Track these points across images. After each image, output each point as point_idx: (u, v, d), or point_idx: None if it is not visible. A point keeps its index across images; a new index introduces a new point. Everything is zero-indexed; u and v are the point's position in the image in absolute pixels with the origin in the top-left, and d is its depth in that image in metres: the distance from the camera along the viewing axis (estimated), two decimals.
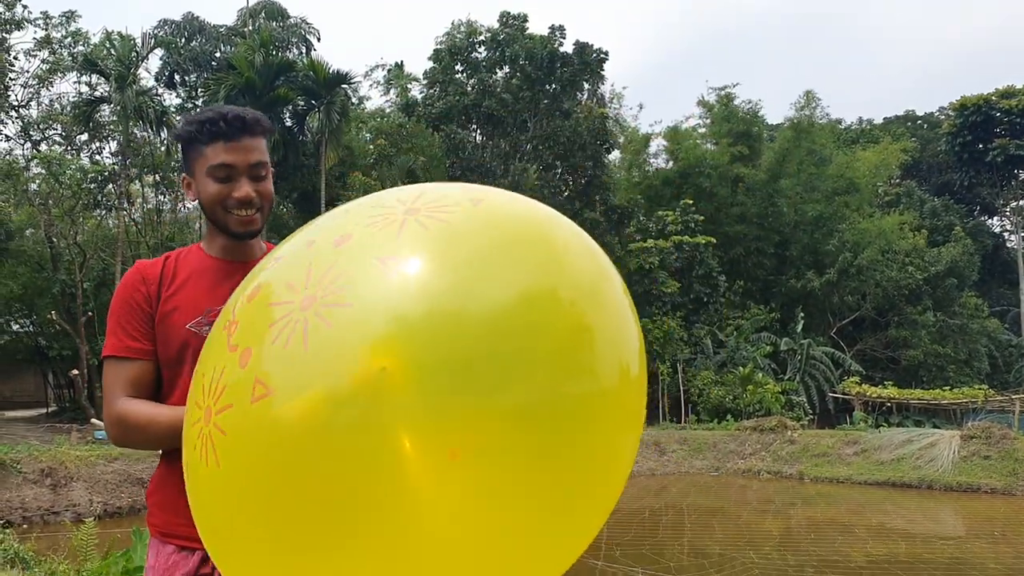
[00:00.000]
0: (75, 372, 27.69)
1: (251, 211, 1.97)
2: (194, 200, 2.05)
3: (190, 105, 32.93)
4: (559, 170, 33.93)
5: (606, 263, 1.52)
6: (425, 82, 35.18)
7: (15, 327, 33.74)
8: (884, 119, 52.73)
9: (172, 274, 2.04)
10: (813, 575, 11.31)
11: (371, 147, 34.21)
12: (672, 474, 22.04)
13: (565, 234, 1.51)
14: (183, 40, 32.02)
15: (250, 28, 32.33)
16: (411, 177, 33.20)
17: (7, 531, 10.67)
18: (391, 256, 1.26)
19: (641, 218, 33.86)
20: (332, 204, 30.10)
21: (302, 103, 30.56)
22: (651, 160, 40.66)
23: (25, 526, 15.96)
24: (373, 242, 1.30)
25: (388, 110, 39.71)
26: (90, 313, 27.64)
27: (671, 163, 38.99)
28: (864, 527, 14.70)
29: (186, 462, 1.42)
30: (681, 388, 29.39)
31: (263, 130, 1.98)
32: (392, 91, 41.14)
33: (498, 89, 32.79)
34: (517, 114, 32.69)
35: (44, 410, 33.50)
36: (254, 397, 1.20)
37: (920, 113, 53.69)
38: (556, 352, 1.24)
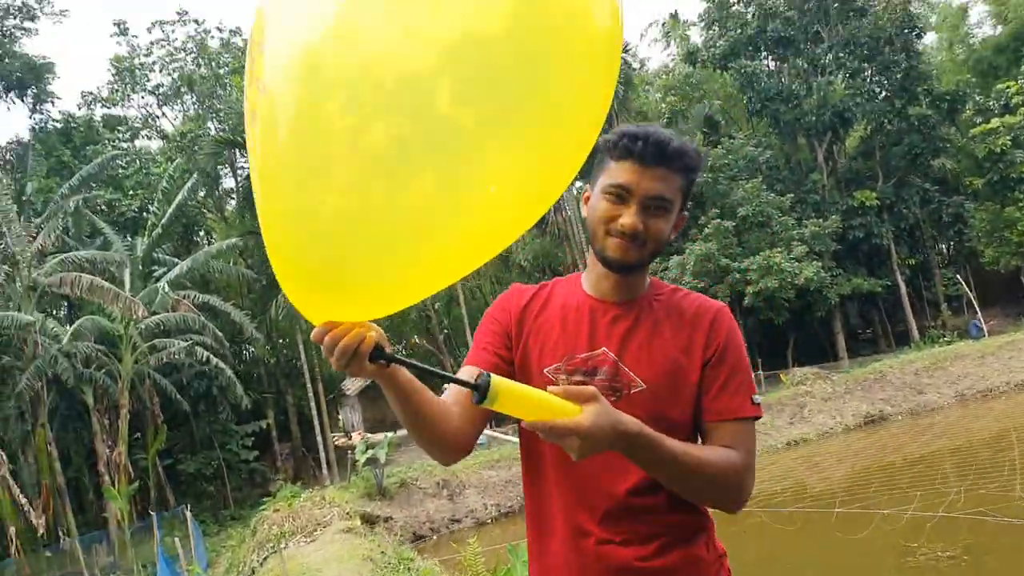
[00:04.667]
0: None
1: (631, 242, 1.76)
2: (584, 216, 1.88)
3: None
4: (868, 72, 31.06)
5: None
6: (702, 25, 33.88)
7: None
8: None
9: (542, 305, 1.93)
10: None
11: (663, 106, 33.59)
12: None
13: None
14: None
15: None
16: (710, 124, 32.19)
17: (411, 548, 11.69)
18: None
19: (977, 98, 30.12)
20: None
21: None
22: (974, 31, 36.04)
23: (434, 537, 17.51)
24: None
25: (672, 64, 38.79)
26: (446, 331, 29.88)
27: (999, 28, 34.23)
28: None
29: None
30: None
31: (684, 167, 1.78)
32: (672, 43, 40.17)
33: (780, 8, 30.73)
34: (807, 28, 30.43)
35: None
36: None
37: None
38: None
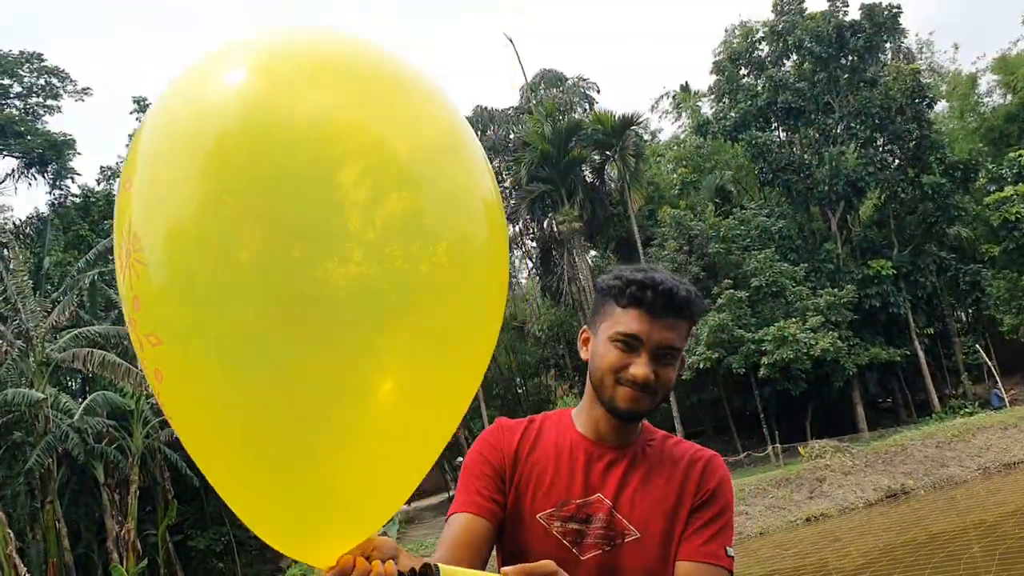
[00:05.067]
0: (459, 460, 29.80)
1: (642, 392, 1.72)
2: (585, 359, 1.84)
3: (500, 190, 34.77)
4: (880, 141, 31.21)
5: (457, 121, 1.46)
6: (712, 97, 34.28)
7: None
8: None
9: (532, 444, 1.86)
10: None
11: (675, 176, 33.81)
12: None
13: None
14: (479, 132, 34.09)
15: (534, 102, 33.60)
16: (722, 195, 32.34)
17: None
18: None
19: (990, 166, 30.10)
20: (647, 244, 30.15)
21: (597, 157, 31.06)
22: (984, 100, 36.28)
23: None
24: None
25: (683, 135, 39.19)
26: None
27: (1008, 96, 34.46)
28: None
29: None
30: None
31: (690, 315, 1.76)
32: (683, 115, 40.66)
33: (790, 80, 31.09)
34: (817, 99, 30.71)
35: (446, 495, 36.50)
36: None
37: None
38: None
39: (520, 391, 35.01)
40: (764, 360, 26.45)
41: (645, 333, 1.71)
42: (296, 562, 23.13)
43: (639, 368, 1.69)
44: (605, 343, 1.75)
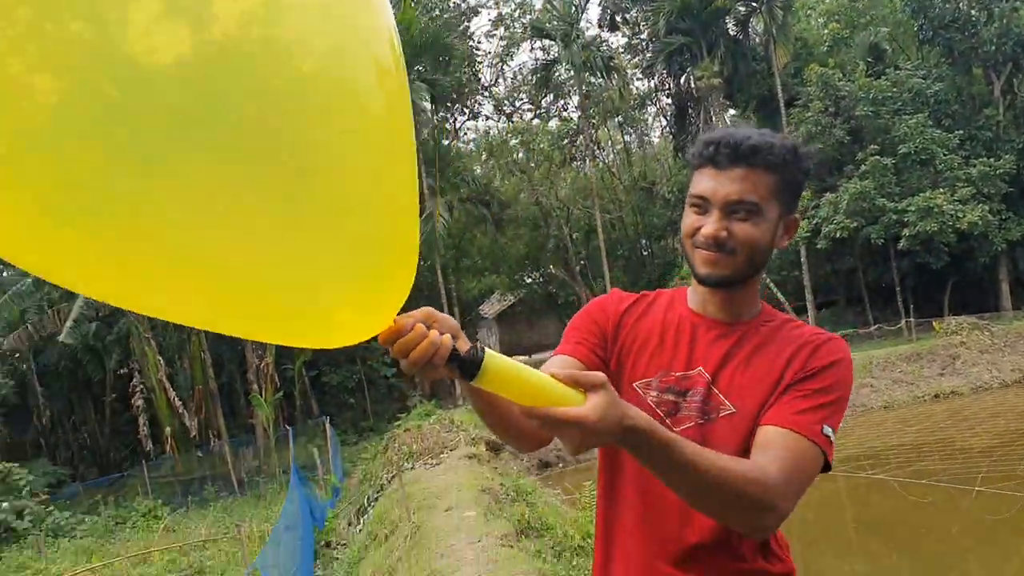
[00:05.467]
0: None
1: (717, 251, 1.63)
2: None
3: (636, 42, 33.56)
4: None
5: None
6: None
7: (528, 280, 38.03)
8: None
9: (641, 313, 1.81)
10: None
11: (824, 32, 31.71)
12: None
13: None
14: None
15: None
16: (875, 53, 30.23)
17: (535, 477, 11.82)
18: None
19: None
20: (790, 105, 28.68)
21: (742, 8, 29.35)
22: None
23: (560, 466, 17.68)
24: None
25: None
26: (583, 262, 29.76)
27: None
28: None
29: None
30: None
31: (765, 162, 1.60)
32: None
33: None
34: None
35: None
36: None
37: None
38: None
39: (645, 254, 34.67)
40: (905, 232, 25.26)
41: (712, 189, 1.61)
42: (422, 399, 24.24)
43: (708, 226, 1.61)
44: (686, 209, 1.68)
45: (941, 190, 25.35)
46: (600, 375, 1.29)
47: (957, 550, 10.63)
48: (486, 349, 1.24)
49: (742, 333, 1.69)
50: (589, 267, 29.79)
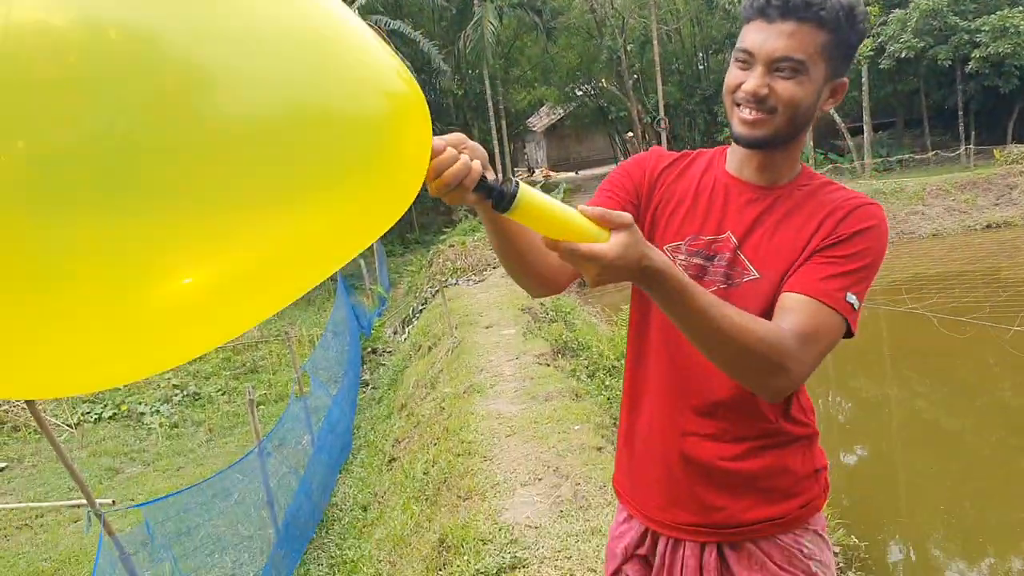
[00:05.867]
0: (629, 135, 29.61)
1: (756, 111, 1.58)
2: None
3: None
4: None
5: None
6: None
7: (579, 92, 37.20)
8: None
9: (679, 173, 1.79)
10: None
11: None
12: None
13: None
14: None
15: None
16: None
17: (577, 296, 12.01)
18: None
19: None
20: None
21: None
22: None
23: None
24: None
25: None
26: (636, 76, 28.90)
27: None
28: None
29: None
30: None
31: (817, 18, 1.52)
32: None
33: None
34: None
35: (613, 166, 37.03)
36: None
37: None
38: None
39: (701, 67, 33.49)
40: (976, 53, 24.01)
41: (757, 44, 1.54)
42: (467, 214, 24.46)
43: (749, 81, 1.56)
44: (730, 66, 1.63)
45: (1021, 8, 23.86)
46: (627, 215, 1.32)
47: (990, 378, 10.80)
48: (519, 182, 1.29)
49: (775, 198, 1.67)
50: (643, 81, 28.92)
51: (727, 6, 30.07)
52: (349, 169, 1.06)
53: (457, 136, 1.34)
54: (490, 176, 1.32)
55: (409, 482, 6.36)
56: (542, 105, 41.96)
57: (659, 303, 1.42)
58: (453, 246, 17.56)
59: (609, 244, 1.30)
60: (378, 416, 9.91)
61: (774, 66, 1.53)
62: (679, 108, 31.05)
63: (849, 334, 1.55)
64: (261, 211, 0.98)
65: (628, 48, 29.20)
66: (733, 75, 1.60)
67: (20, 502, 7.51)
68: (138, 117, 0.86)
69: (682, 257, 1.70)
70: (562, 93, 37.04)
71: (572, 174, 37.11)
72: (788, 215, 1.64)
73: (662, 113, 26.43)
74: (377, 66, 1.12)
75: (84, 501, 7.71)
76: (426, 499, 5.74)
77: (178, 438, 11.01)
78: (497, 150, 26.44)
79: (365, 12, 22.69)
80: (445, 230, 23.22)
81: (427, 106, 1.22)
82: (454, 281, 15.04)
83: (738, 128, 1.61)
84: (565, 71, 34.18)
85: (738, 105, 1.60)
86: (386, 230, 1.22)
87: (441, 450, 6.35)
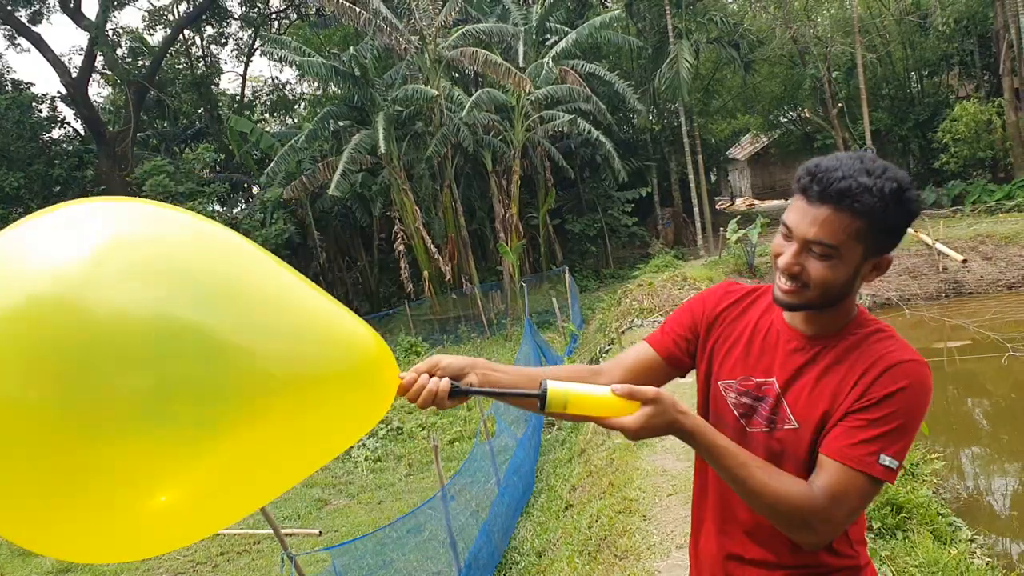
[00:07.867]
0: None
1: (791, 282, 1.68)
2: None
3: None
4: None
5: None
6: None
7: (783, 120, 36.35)
8: None
9: (740, 312, 1.91)
10: None
11: None
12: None
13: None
14: None
15: None
16: None
17: None
18: None
19: None
20: None
21: None
22: None
23: None
24: None
25: None
26: (840, 104, 27.94)
27: None
28: None
29: None
30: None
31: (852, 208, 1.57)
32: None
33: None
34: None
35: None
36: None
37: None
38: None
39: (915, 89, 31.78)
40: None
41: (795, 223, 1.64)
42: (664, 248, 24.55)
43: (785, 255, 1.66)
44: (779, 229, 1.73)
45: None
46: (651, 390, 1.60)
47: None
48: (549, 383, 1.64)
49: (820, 348, 1.72)
50: (848, 109, 27.86)
51: (941, 27, 28.50)
52: (340, 409, 1.54)
53: (430, 362, 1.71)
54: (469, 380, 1.72)
55: (577, 534, 6.68)
56: (745, 133, 41.21)
57: (698, 453, 1.69)
58: (641, 285, 17.72)
59: (634, 417, 1.59)
60: (560, 460, 10.23)
61: (808, 246, 1.62)
62: (891, 134, 29.60)
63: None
64: (283, 449, 1.48)
65: (833, 75, 28.26)
66: (777, 241, 1.70)
67: (240, 528, 8.44)
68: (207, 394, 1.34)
69: (733, 396, 1.81)
70: (766, 121, 36.33)
71: (781, 202, 36.16)
72: (829, 369, 1.69)
73: (868, 142, 25.35)
74: (354, 333, 1.59)
75: (296, 530, 8.59)
76: (588, 553, 6.04)
77: (381, 472, 11.85)
78: (692, 182, 26.36)
79: (562, 57, 23.41)
80: (639, 265, 23.42)
81: (389, 348, 1.66)
82: (639, 322, 15.18)
83: (776, 293, 1.72)
84: (768, 99, 33.52)
85: (777, 270, 1.70)
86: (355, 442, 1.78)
87: (605, 505, 6.63)
